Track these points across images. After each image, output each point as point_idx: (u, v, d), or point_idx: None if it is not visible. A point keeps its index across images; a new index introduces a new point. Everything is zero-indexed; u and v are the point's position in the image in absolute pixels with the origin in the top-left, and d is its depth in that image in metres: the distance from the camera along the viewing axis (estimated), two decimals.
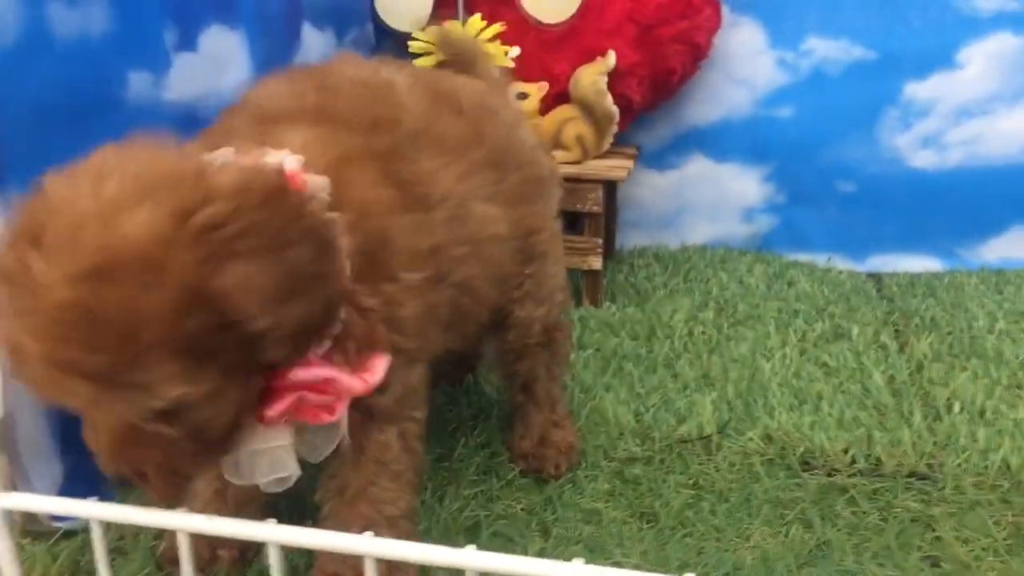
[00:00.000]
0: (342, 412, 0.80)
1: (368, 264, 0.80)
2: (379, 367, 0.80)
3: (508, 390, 1.20)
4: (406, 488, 0.93)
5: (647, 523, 1.07)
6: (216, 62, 1.26)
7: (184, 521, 0.74)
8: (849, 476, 1.14)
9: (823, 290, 1.71)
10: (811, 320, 1.55)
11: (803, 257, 1.91)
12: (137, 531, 0.99)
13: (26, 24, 0.96)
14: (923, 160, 1.88)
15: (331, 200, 0.77)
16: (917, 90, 1.85)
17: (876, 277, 1.82)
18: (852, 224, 1.92)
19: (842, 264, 1.90)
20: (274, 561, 0.73)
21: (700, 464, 1.17)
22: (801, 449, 1.18)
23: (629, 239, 1.99)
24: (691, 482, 1.14)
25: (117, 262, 0.64)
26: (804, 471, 1.16)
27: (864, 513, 1.07)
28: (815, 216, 1.94)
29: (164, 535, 0.96)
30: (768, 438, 1.21)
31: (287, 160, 0.77)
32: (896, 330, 1.52)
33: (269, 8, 1.40)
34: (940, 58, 1.83)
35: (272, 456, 0.79)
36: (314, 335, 0.75)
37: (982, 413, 1.25)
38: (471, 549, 0.67)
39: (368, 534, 0.71)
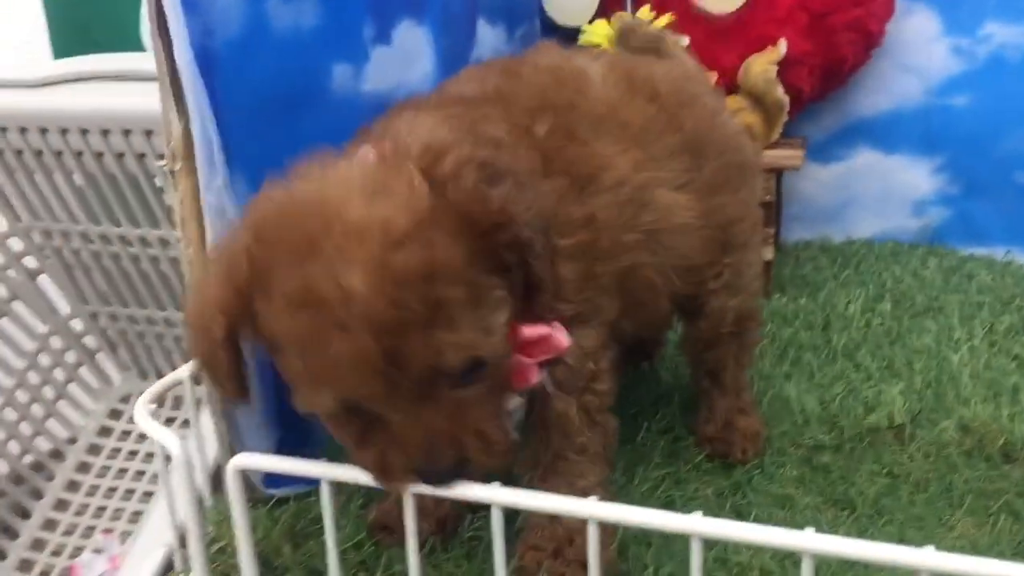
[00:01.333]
0: (542, 374, 0.83)
1: None
2: (560, 326, 0.82)
3: (694, 376, 1.20)
4: (595, 460, 0.93)
5: (842, 510, 1.05)
6: (406, 56, 1.31)
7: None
8: None
9: (1007, 282, 1.64)
10: (997, 313, 1.50)
11: (980, 251, 1.84)
12: (347, 498, 1.03)
13: (248, 16, 1.02)
14: None
15: None
16: None
17: None
18: None
19: (1022, 258, 1.82)
20: (496, 524, 0.75)
21: (893, 454, 1.14)
22: (1001, 440, 1.14)
23: (792, 233, 1.96)
24: (885, 471, 1.11)
25: (410, 224, 0.69)
26: (1005, 463, 1.12)
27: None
28: (991, 208, 1.86)
29: (375, 504, 1.00)
30: (964, 428, 1.17)
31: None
32: None
33: (452, 5, 1.44)
34: None
35: None
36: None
37: None
38: (698, 515, 0.68)
39: (593, 498, 0.73)
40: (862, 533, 1.00)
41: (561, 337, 0.81)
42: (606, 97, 1.00)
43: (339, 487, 0.80)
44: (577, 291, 0.89)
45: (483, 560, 0.93)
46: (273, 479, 1.05)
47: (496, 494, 0.74)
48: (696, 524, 0.68)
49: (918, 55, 1.84)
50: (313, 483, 1.05)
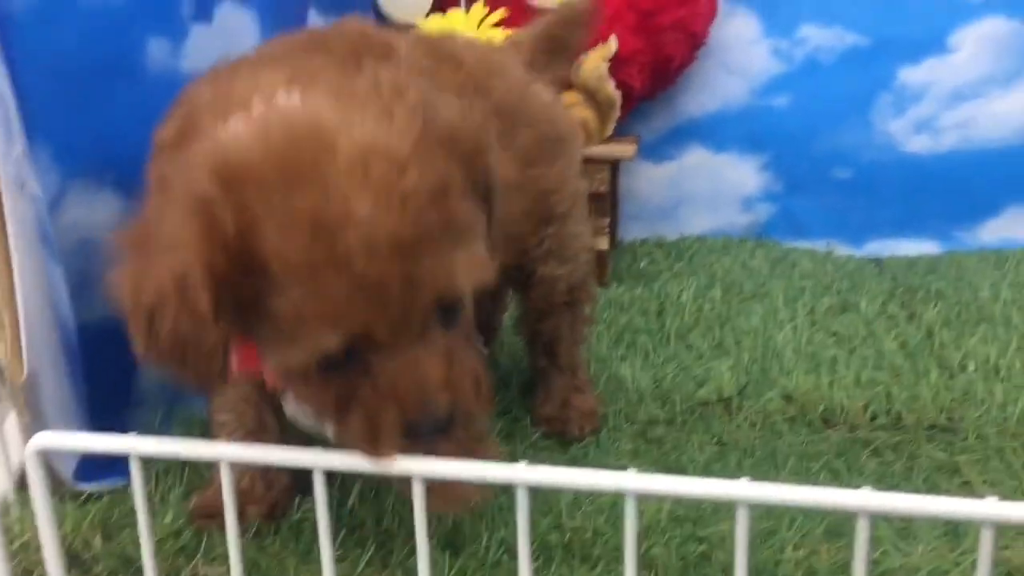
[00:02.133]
0: None
1: None
2: None
3: (530, 354, 1.20)
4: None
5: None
6: (229, 37, 1.27)
7: (227, 451, 0.73)
8: (871, 431, 1.15)
9: (827, 269, 1.72)
10: (818, 295, 1.57)
11: (803, 244, 1.93)
12: (168, 487, 0.98)
13: None
14: (918, 144, 1.91)
15: None
16: (910, 75, 1.88)
17: (876, 260, 1.84)
18: (850, 210, 1.94)
19: (841, 250, 1.91)
20: (319, 491, 0.72)
21: (722, 424, 1.17)
22: (821, 407, 1.19)
23: (629, 232, 2.00)
24: (715, 440, 1.14)
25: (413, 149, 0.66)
26: (826, 428, 1.17)
27: (889, 463, 1.07)
28: (813, 203, 1.96)
29: (197, 490, 0.95)
30: (788, 398, 1.21)
31: None
32: (902, 303, 1.53)
33: None
34: (932, 43, 1.86)
35: None
36: None
37: (997, 371, 1.26)
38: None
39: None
40: (695, 499, 1.01)
41: None
42: (414, 64, 0.99)
43: (155, 476, 0.74)
44: None
45: (310, 539, 0.89)
46: (84, 472, 0.99)
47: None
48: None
49: (741, 57, 1.92)
50: (127, 475, 1.00)
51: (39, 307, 0.95)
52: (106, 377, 1.03)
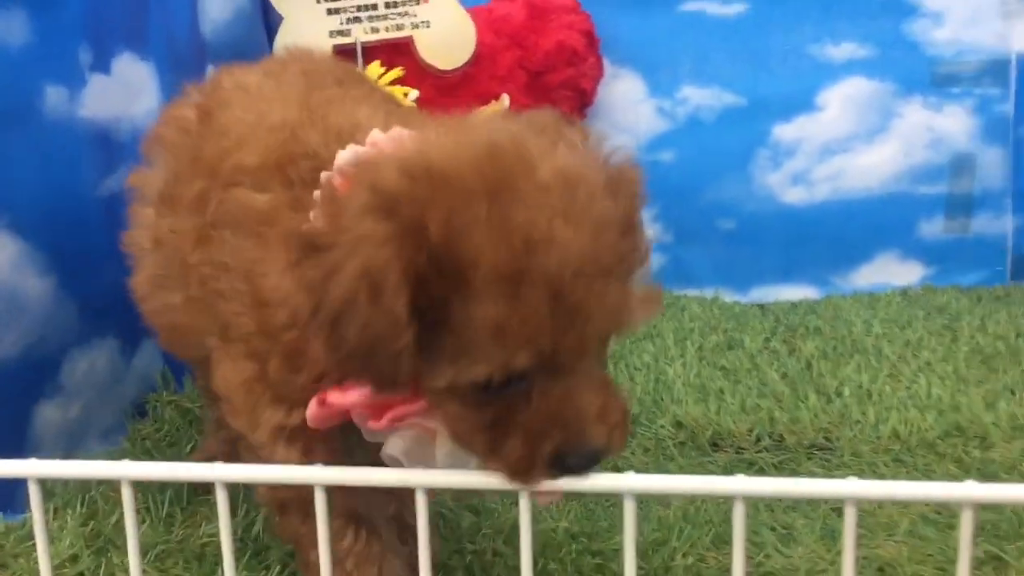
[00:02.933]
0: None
1: None
2: None
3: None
4: None
5: (571, 500, 1.10)
6: (128, 88, 1.30)
7: (129, 470, 0.74)
8: (756, 452, 1.21)
9: (714, 312, 1.81)
10: (706, 334, 1.64)
11: (692, 291, 2.01)
12: (66, 518, 0.97)
13: None
14: (794, 196, 2.03)
15: None
16: (784, 131, 2.01)
17: (760, 305, 1.93)
18: (734, 259, 2.04)
19: (728, 296, 2.00)
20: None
21: None
22: (709, 432, 1.25)
23: None
24: (610, 465, 1.18)
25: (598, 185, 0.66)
26: (714, 451, 1.22)
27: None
28: (700, 253, 2.05)
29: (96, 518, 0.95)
30: (678, 424, 1.27)
31: None
32: (784, 339, 1.62)
33: (177, 45, 1.44)
34: (802, 102, 2.00)
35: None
36: None
37: (869, 395, 1.34)
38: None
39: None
40: (589, 517, 1.05)
41: None
42: None
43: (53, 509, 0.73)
44: None
45: (213, 562, 0.90)
46: None
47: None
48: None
49: (628, 115, 2.02)
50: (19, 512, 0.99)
51: None
52: (6, 415, 1.03)
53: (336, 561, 0.81)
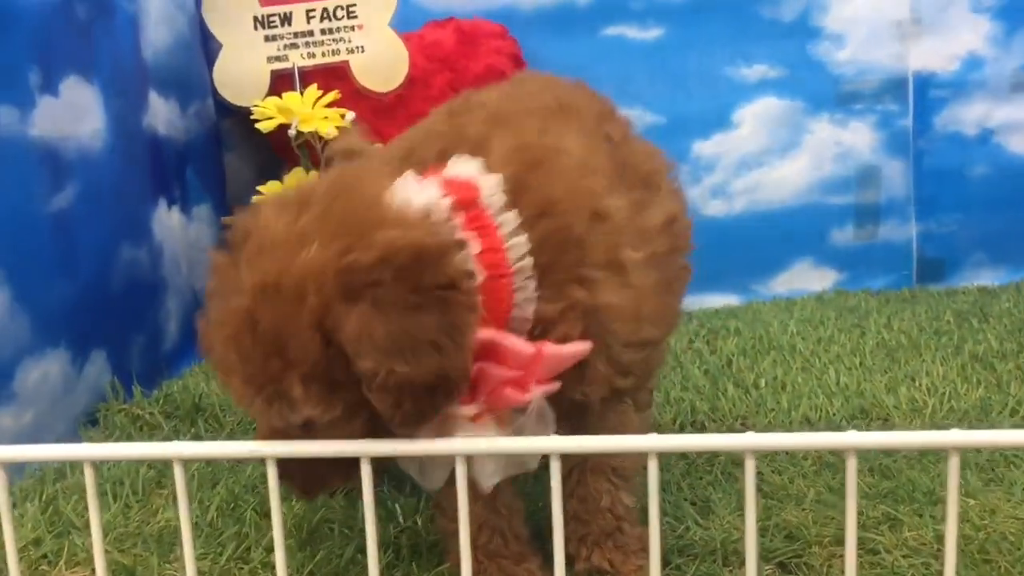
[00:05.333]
0: (534, 393, 0.78)
1: (553, 265, 0.82)
2: (570, 348, 0.79)
3: None
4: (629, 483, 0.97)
5: None
6: (75, 110, 1.35)
7: (91, 451, 0.79)
8: None
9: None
10: None
11: None
12: (25, 507, 1.01)
13: None
14: (714, 208, 2.15)
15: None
16: (703, 148, 2.13)
17: (687, 313, 2.03)
18: None
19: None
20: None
21: None
22: None
23: None
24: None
25: (280, 285, 0.72)
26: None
27: (692, 461, 1.22)
28: None
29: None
30: None
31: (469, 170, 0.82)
32: (707, 340, 1.72)
33: (123, 70, 1.50)
34: (719, 120, 2.12)
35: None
36: (427, 400, 0.73)
37: (783, 385, 1.44)
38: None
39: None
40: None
41: (516, 343, 0.78)
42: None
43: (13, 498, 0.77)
44: (644, 315, 0.89)
45: (171, 541, 0.95)
46: None
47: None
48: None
49: None
50: None
51: None
52: None
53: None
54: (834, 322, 1.78)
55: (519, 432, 0.79)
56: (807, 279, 2.15)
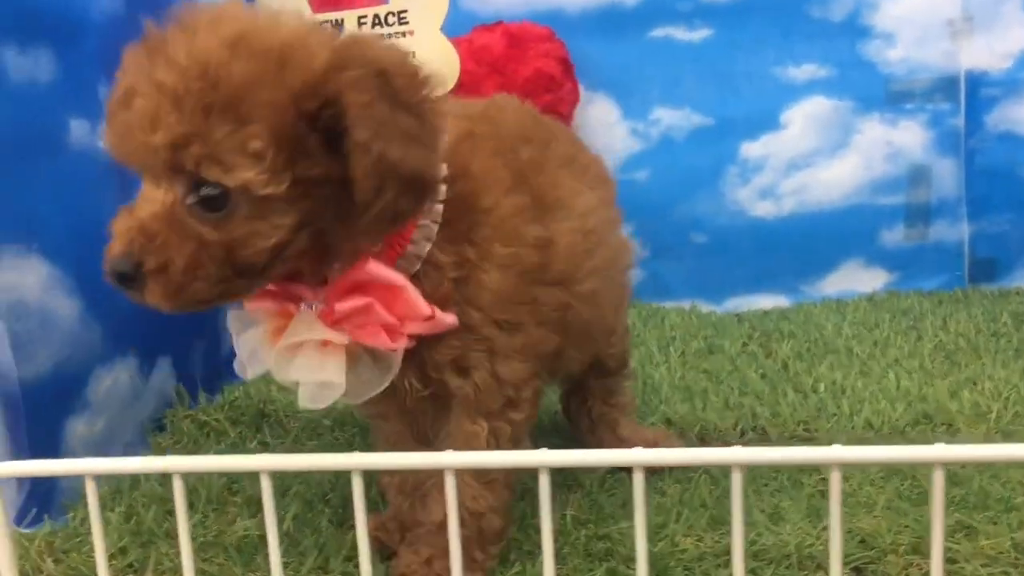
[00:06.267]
0: (402, 344, 0.85)
1: (456, 218, 0.88)
2: (445, 318, 0.86)
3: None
4: (492, 487, 0.94)
5: (572, 492, 1.18)
6: None
7: (179, 463, 0.80)
8: (742, 444, 1.30)
9: (693, 321, 1.90)
10: (687, 341, 1.74)
11: (669, 303, 2.11)
12: (109, 513, 1.03)
13: None
14: (763, 210, 2.14)
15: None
16: (751, 149, 2.12)
17: (736, 315, 2.03)
18: (708, 271, 2.14)
19: (704, 307, 2.10)
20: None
21: None
22: (697, 427, 1.34)
23: None
24: None
25: (260, 45, 0.74)
26: (702, 444, 1.31)
27: (758, 467, 1.22)
28: (675, 267, 2.15)
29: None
30: (668, 421, 1.36)
31: None
32: (760, 343, 1.71)
33: None
34: (767, 120, 2.11)
35: (320, 386, 0.84)
36: (398, 212, 0.78)
37: (843, 390, 1.44)
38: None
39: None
40: (593, 505, 1.13)
41: (417, 299, 0.84)
42: (568, 140, 1.12)
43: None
44: (500, 309, 0.90)
45: (252, 551, 0.97)
46: (24, 513, 1.04)
47: (543, 457, 0.71)
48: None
49: (603, 137, 2.12)
50: (63, 517, 1.05)
51: None
52: (40, 430, 1.09)
53: None
54: (888, 324, 1.77)
55: (357, 376, 0.85)
56: (857, 280, 2.13)
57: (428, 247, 0.87)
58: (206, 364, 1.54)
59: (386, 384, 0.86)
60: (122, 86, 0.78)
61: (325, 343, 0.84)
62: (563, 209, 0.98)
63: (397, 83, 0.77)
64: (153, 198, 0.77)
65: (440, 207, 0.87)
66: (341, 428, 1.35)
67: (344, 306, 0.82)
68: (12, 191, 1.08)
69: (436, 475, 0.95)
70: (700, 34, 2.11)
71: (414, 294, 0.84)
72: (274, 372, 0.86)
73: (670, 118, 2.12)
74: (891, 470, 1.17)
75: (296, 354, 0.84)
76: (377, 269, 0.82)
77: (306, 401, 0.86)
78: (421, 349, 0.88)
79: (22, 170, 1.10)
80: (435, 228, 0.87)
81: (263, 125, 0.73)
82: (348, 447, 1.30)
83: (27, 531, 1.02)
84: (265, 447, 1.30)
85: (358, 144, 0.73)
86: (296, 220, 0.77)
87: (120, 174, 1.30)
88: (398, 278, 0.83)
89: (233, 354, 1.63)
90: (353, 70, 0.75)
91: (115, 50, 1.30)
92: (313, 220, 0.78)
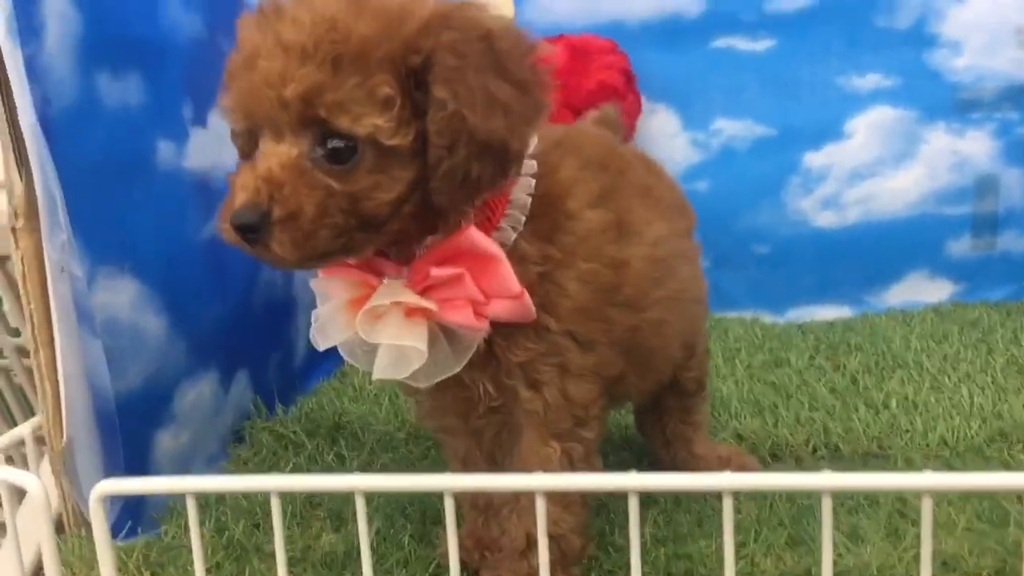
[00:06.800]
0: (485, 325, 0.86)
1: (541, 215, 0.89)
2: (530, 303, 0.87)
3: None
4: (571, 508, 0.95)
5: (647, 508, 1.19)
6: (220, 138, 1.40)
7: (275, 482, 0.83)
8: (815, 461, 1.30)
9: (757, 333, 1.90)
10: (752, 353, 1.74)
11: (731, 314, 2.11)
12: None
13: (82, 89, 1.09)
14: (826, 220, 2.13)
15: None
16: (814, 159, 2.11)
17: (799, 326, 2.02)
18: (770, 282, 2.14)
19: (766, 318, 2.10)
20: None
21: None
22: (769, 443, 1.34)
23: None
24: None
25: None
26: (775, 462, 1.31)
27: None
28: (737, 277, 2.14)
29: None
30: (739, 437, 1.36)
31: None
32: (827, 356, 1.71)
33: None
34: (830, 130, 2.10)
35: (399, 353, 0.85)
36: (469, 176, 0.79)
37: (915, 405, 1.43)
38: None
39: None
40: (669, 522, 1.14)
41: (509, 274, 0.85)
42: (643, 171, 1.12)
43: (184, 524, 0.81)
44: (576, 323, 0.91)
45: (342, 566, 0.99)
46: (119, 526, 1.07)
47: (633, 481, 0.73)
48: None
49: (665, 148, 2.13)
50: (156, 530, 1.09)
51: (77, 379, 1.05)
52: (132, 445, 1.13)
53: None
54: (957, 337, 1.75)
55: (433, 356, 0.86)
56: (922, 291, 2.11)
57: (514, 236, 0.88)
58: (281, 376, 1.58)
59: (460, 366, 0.87)
60: (243, 53, 0.81)
61: (409, 312, 0.85)
62: (635, 235, 0.99)
63: (500, 47, 0.80)
64: (277, 152, 0.79)
65: (528, 200, 0.89)
66: (416, 441, 1.37)
67: (441, 273, 0.84)
68: (108, 214, 1.12)
69: (512, 497, 0.97)
70: (763, 44, 2.10)
71: (507, 267, 0.85)
72: (361, 333, 0.87)
73: (731, 129, 2.12)
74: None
75: (378, 321, 0.86)
76: (476, 237, 0.84)
77: (383, 370, 0.86)
78: (495, 351, 0.90)
79: (118, 193, 1.14)
80: (523, 219, 0.89)
81: (388, 76, 0.77)
82: (422, 459, 1.33)
83: (123, 543, 1.05)
84: (341, 460, 1.33)
85: (435, 100, 0.77)
86: (414, 175, 0.80)
87: (203, 191, 1.34)
88: (496, 248, 0.85)
89: (304, 364, 1.67)
90: (454, 31, 0.78)
91: (198, 72, 1.35)
92: (425, 179, 0.80)
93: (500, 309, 0.86)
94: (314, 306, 0.93)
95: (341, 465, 1.32)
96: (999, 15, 2.03)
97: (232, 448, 1.38)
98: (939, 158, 2.09)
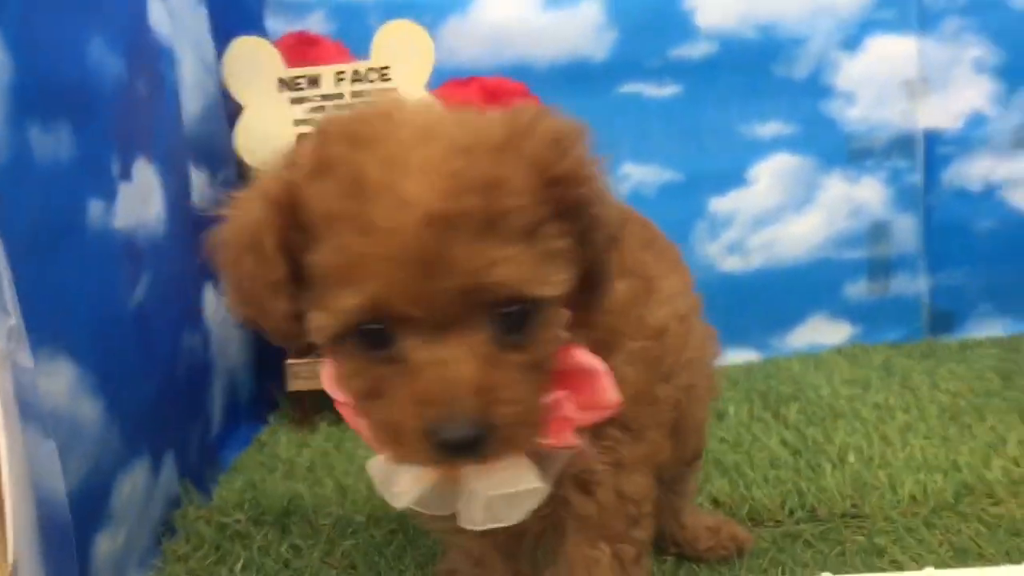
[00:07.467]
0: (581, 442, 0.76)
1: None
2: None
3: None
4: None
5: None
6: (143, 193, 1.25)
7: None
8: (795, 524, 1.27)
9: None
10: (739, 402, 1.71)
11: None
12: None
13: (13, 143, 0.92)
14: (731, 264, 2.15)
15: None
16: (719, 204, 2.13)
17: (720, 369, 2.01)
18: None
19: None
20: None
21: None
22: (746, 508, 1.30)
23: None
24: (660, 548, 1.21)
25: (481, 137, 0.65)
26: (755, 526, 1.27)
27: (824, 552, 1.19)
28: None
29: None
30: (715, 502, 1.31)
31: None
32: (764, 407, 1.69)
33: (173, 145, 1.40)
34: (734, 176, 2.12)
35: (508, 502, 0.74)
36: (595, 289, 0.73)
37: (871, 459, 1.43)
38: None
39: None
40: None
41: (609, 387, 0.75)
42: (641, 224, 1.04)
43: None
44: (633, 417, 0.82)
45: None
46: None
47: None
48: None
49: None
50: None
51: (24, 487, 0.87)
52: (66, 558, 0.96)
53: None
54: (879, 384, 1.78)
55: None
56: (823, 333, 2.16)
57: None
58: (200, 452, 1.41)
59: (554, 476, 0.77)
60: (357, 221, 0.63)
61: None
62: (657, 292, 0.91)
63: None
64: (454, 345, 0.63)
65: None
66: (377, 524, 1.25)
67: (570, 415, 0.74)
68: (45, 286, 0.95)
69: None
70: (668, 90, 2.10)
71: (608, 381, 0.75)
72: (470, 484, 0.74)
73: (639, 173, 2.11)
74: None
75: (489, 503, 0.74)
76: (582, 356, 0.75)
77: (483, 520, 0.74)
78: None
79: (51, 261, 0.97)
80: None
81: (551, 219, 0.67)
82: (387, 545, 1.21)
83: None
84: (297, 551, 1.19)
85: (595, 219, 0.70)
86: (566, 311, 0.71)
87: (130, 253, 1.18)
88: (597, 363, 0.75)
89: (219, 435, 1.50)
90: (575, 146, 0.71)
91: (121, 118, 1.19)
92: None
93: (589, 419, 0.76)
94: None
95: (298, 557, 1.18)
96: (889, 68, 2.11)
97: (166, 542, 1.21)
98: (836, 204, 2.15)
